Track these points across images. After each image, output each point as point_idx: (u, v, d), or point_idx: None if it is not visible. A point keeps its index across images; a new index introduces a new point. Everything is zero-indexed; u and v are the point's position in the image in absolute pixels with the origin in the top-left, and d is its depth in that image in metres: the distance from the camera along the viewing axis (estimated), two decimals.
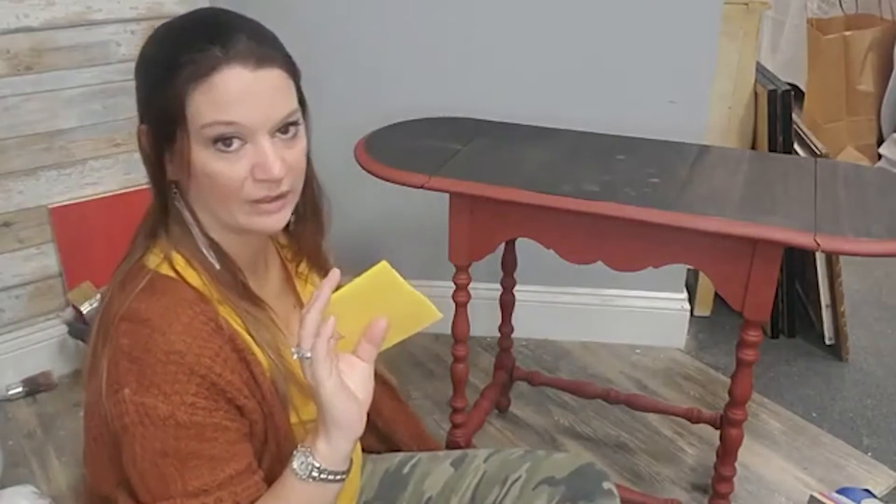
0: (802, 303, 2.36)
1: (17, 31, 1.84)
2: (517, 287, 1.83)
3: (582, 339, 2.28)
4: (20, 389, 2.02)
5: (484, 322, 2.03)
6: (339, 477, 0.82)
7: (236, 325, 0.87)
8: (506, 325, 1.88)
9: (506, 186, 1.37)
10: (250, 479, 0.85)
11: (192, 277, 0.87)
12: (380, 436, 1.20)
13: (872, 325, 2.42)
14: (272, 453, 0.90)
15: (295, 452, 0.83)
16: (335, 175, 1.98)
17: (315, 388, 0.79)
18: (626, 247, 1.37)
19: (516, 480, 1.06)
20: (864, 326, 2.39)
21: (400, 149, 1.56)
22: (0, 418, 1.96)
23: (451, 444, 1.67)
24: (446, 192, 1.42)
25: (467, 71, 2.05)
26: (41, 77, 1.90)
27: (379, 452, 1.18)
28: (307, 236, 1.00)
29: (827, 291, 2.21)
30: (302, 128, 0.87)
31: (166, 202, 0.88)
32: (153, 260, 0.87)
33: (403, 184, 1.43)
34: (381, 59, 2.06)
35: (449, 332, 1.58)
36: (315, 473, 0.81)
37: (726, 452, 1.48)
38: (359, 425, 0.81)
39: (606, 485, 1.04)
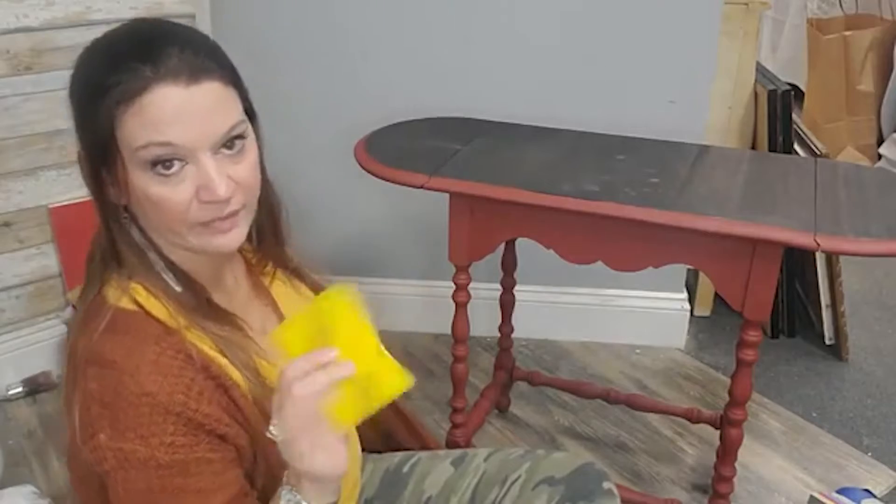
0: (802, 303, 2.36)
1: (16, 31, 1.84)
2: (517, 287, 1.83)
3: (582, 339, 2.28)
4: (20, 389, 2.02)
5: (484, 322, 2.03)
6: None
7: (209, 349, 0.83)
8: (506, 325, 1.88)
9: (506, 186, 1.37)
10: (244, 502, 0.83)
11: (156, 308, 0.82)
12: (380, 435, 1.19)
13: (872, 325, 2.42)
14: (263, 472, 0.87)
15: (281, 491, 0.79)
16: (335, 175, 1.99)
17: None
18: (626, 247, 1.37)
19: (516, 480, 1.05)
20: (864, 326, 2.39)
21: (400, 149, 1.56)
22: (0, 418, 1.96)
23: (451, 444, 1.67)
24: (446, 192, 1.42)
25: (467, 71, 2.05)
26: (41, 77, 1.90)
27: (379, 452, 1.18)
28: (268, 246, 0.97)
29: (827, 291, 2.21)
30: (250, 140, 0.82)
31: (111, 230, 0.83)
32: (112, 294, 0.83)
33: (403, 184, 1.43)
34: (381, 60, 2.06)
35: (449, 332, 1.58)
36: None
37: (726, 452, 1.48)
38: (343, 467, 0.78)
39: (606, 484, 1.04)
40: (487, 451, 1.14)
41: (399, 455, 1.16)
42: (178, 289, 0.84)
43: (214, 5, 2.01)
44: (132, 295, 0.83)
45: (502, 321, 1.87)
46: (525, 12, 1.99)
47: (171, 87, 0.75)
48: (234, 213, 0.81)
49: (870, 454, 1.88)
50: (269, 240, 0.96)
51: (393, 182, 1.45)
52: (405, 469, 1.13)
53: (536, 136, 1.61)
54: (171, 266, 0.85)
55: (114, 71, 0.76)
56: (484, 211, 1.43)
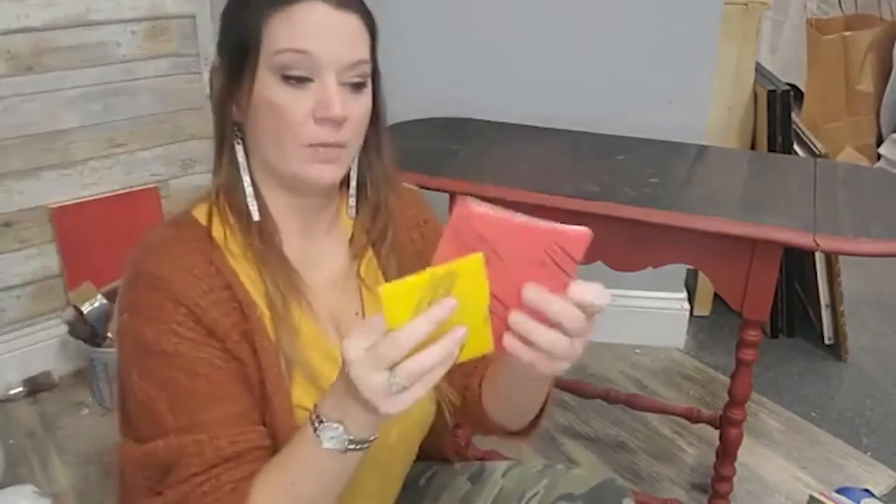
0: (802, 303, 2.36)
1: (17, 31, 1.84)
2: None
3: None
4: (21, 389, 2.02)
5: None
6: (367, 445, 0.76)
7: (248, 282, 0.85)
8: None
9: (506, 186, 1.37)
10: (248, 426, 0.81)
11: (216, 225, 0.86)
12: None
13: (871, 325, 2.42)
14: (268, 422, 0.84)
15: (317, 429, 0.73)
16: None
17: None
18: (625, 247, 1.37)
19: (534, 496, 1.02)
20: (863, 326, 2.40)
21: (400, 149, 1.55)
22: (1, 418, 1.96)
23: (452, 445, 1.67)
24: (446, 192, 1.43)
25: (468, 71, 2.06)
26: (42, 77, 1.90)
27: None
28: (376, 222, 0.95)
29: (826, 291, 2.22)
30: (367, 91, 0.87)
31: (223, 140, 0.87)
32: (193, 203, 0.89)
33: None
34: (381, 59, 2.06)
35: None
36: (352, 446, 0.74)
37: (726, 452, 1.48)
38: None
39: (626, 501, 1.01)
40: (505, 465, 1.11)
41: (414, 467, 1.10)
42: (256, 218, 0.86)
43: (214, 6, 2.02)
44: (206, 208, 0.87)
45: None
46: (525, 13, 2.00)
47: (320, 3, 0.81)
48: (340, 145, 0.83)
49: (869, 454, 1.88)
50: (381, 216, 0.95)
51: None
52: (421, 482, 1.10)
53: (536, 137, 1.61)
54: (259, 198, 0.87)
55: None
56: None
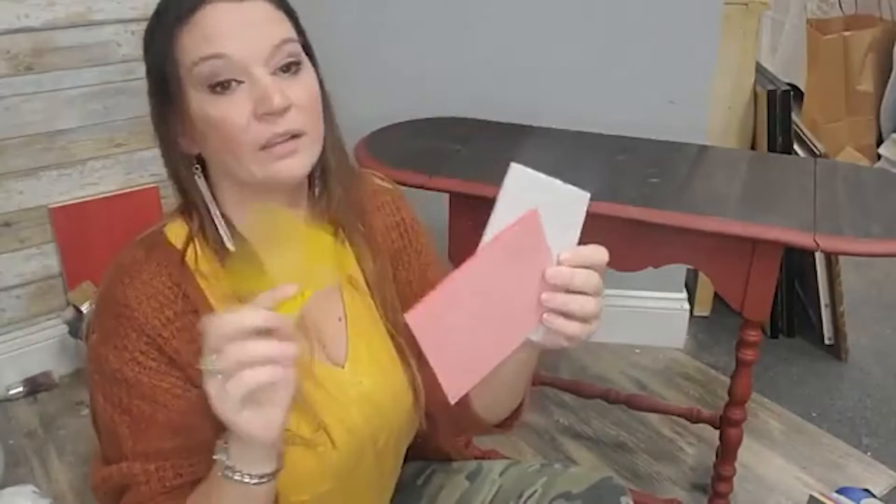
0: (802, 303, 2.36)
1: (17, 31, 1.84)
2: None
3: None
4: (21, 389, 2.03)
5: None
6: (254, 480, 0.74)
7: (219, 304, 0.82)
8: None
9: None
10: (205, 455, 0.78)
11: (183, 243, 0.84)
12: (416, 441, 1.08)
13: (872, 325, 2.42)
14: None
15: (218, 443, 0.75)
16: None
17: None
18: (626, 247, 1.37)
19: (532, 495, 1.02)
20: (863, 326, 2.39)
21: (400, 149, 1.56)
22: (1, 418, 1.96)
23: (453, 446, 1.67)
24: (446, 192, 1.43)
25: (467, 71, 2.06)
26: (42, 77, 1.90)
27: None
28: (333, 200, 0.91)
29: (826, 291, 2.22)
30: (307, 70, 0.82)
31: (181, 179, 0.84)
32: (169, 220, 0.87)
33: (403, 184, 1.43)
34: (381, 59, 2.06)
35: None
36: (228, 473, 0.73)
37: (726, 452, 1.48)
38: (271, 436, 0.71)
39: (624, 500, 1.01)
40: (503, 464, 1.11)
41: (411, 466, 1.11)
42: (232, 249, 0.84)
43: None
44: (176, 224, 0.85)
45: None
46: (525, 13, 2.00)
47: (222, 2, 0.78)
48: (294, 136, 0.79)
49: (869, 454, 1.88)
50: (330, 189, 0.91)
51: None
52: (419, 482, 1.11)
53: (536, 136, 1.61)
54: (231, 227, 0.85)
55: None
56: (484, 211, 1.43)
